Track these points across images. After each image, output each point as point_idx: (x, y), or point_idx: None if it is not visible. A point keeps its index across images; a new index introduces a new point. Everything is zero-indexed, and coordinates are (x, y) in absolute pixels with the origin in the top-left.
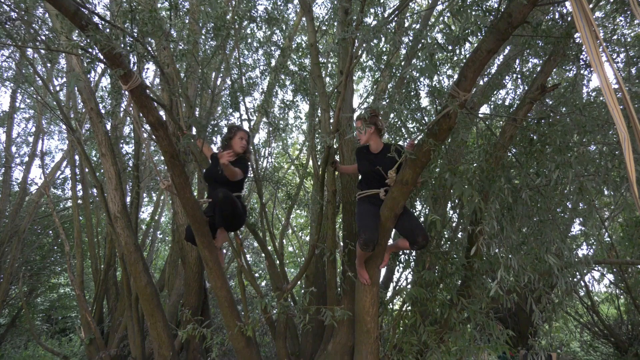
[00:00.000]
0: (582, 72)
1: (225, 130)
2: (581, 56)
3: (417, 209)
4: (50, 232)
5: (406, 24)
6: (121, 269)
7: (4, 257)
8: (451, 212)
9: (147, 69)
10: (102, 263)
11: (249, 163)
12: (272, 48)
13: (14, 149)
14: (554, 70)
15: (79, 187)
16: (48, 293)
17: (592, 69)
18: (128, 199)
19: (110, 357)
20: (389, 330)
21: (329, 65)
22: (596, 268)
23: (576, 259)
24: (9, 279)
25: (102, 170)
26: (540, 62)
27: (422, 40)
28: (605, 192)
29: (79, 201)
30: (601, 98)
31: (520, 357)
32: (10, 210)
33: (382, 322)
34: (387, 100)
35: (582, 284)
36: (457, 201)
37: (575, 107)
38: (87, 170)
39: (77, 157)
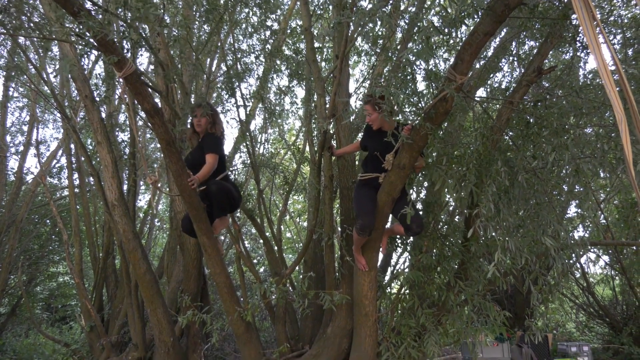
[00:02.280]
0: (578, 54)
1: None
2: (578, 38)
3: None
4: (48, 221)
5: (402, 7)
6: (120, 256)
7: (2, 246)
8: (447, 196)
9: (141, 54)
10: (100, 251)
11: (219, 136)
12: (267, 33)
13: (8, 138)
14: (551, 52)
15: (76, 175)
16: (47, 282)
17: (589, 51)
18: (125, 187)
19: (111, 344)
20: (387, 314)
21: (325, 49)
22: (592, 250)
23: (572, 240)
24: (8, 268)
25: (98, 159)
26: (537, 44)
27: (418, 24)
28: (602, 175)
29: (76, 190)
30: (598, 80)
31: (517, 338)
32: (6, 199)
33: (380, 306)
34: (384, 84)
35: (578, 265)
36: (455, 186)
37: (572, 89)
38: (83, 158)
39: (72, 146)
